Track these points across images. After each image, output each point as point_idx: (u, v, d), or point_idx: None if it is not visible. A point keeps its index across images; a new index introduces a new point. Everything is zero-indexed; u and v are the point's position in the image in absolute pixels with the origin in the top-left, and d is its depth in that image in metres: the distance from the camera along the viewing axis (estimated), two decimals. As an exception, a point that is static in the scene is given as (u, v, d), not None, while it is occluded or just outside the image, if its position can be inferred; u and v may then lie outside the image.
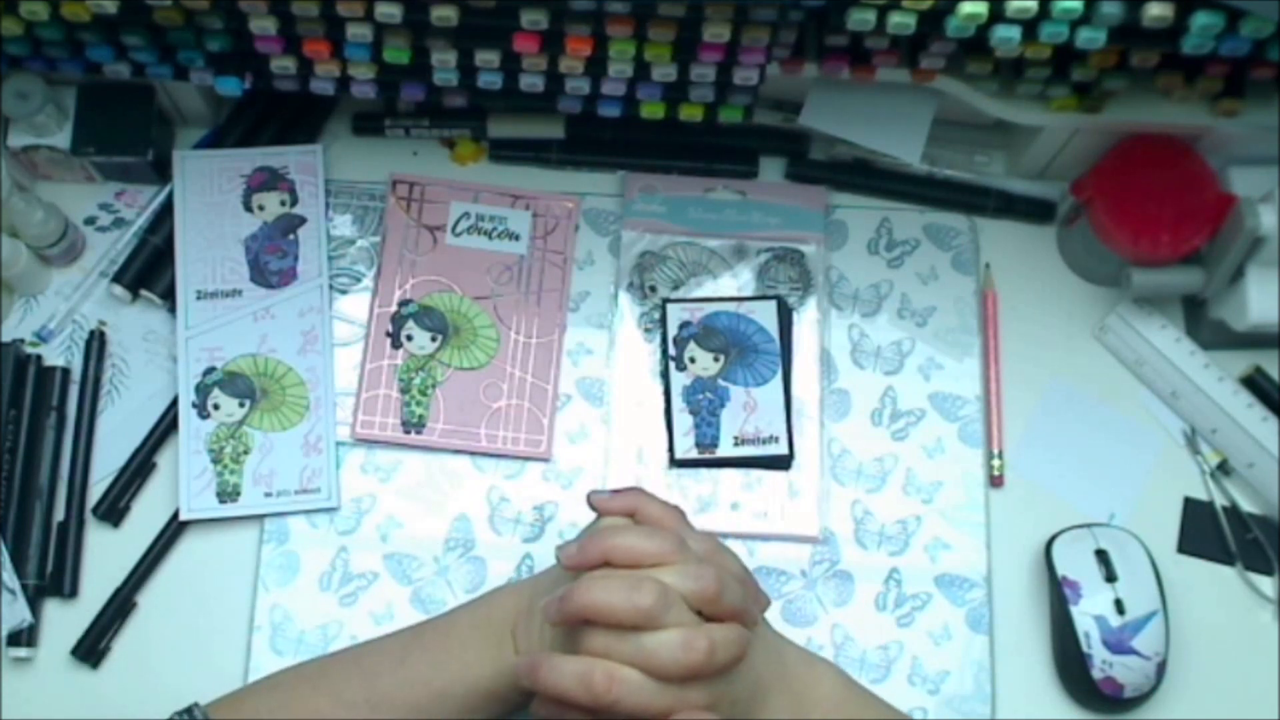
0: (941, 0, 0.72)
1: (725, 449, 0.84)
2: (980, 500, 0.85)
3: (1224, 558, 0.84)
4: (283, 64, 0.80)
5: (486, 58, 0.79)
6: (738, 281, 0.88)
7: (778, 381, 0.85)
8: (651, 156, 0.91)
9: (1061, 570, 0.81)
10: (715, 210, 0.90)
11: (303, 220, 0.88)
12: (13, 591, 0.80)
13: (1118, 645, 0.79)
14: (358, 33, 0.77)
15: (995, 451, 0.86)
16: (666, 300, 0.87)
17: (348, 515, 0.83)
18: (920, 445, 0.86)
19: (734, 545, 0.80)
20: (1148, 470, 0.86)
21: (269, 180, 0.88)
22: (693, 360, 0.86)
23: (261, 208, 0.88)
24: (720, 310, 0.87)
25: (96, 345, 0.86)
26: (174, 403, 0.84)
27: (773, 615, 0.81)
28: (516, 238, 0.89)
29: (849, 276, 0.89)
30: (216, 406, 0.84)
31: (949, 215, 0.91)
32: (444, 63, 0.79)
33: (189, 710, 0.69)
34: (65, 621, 0.81)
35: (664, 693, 0.63)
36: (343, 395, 0.85)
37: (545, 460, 0.85)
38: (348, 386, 0.85)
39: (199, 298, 0.86)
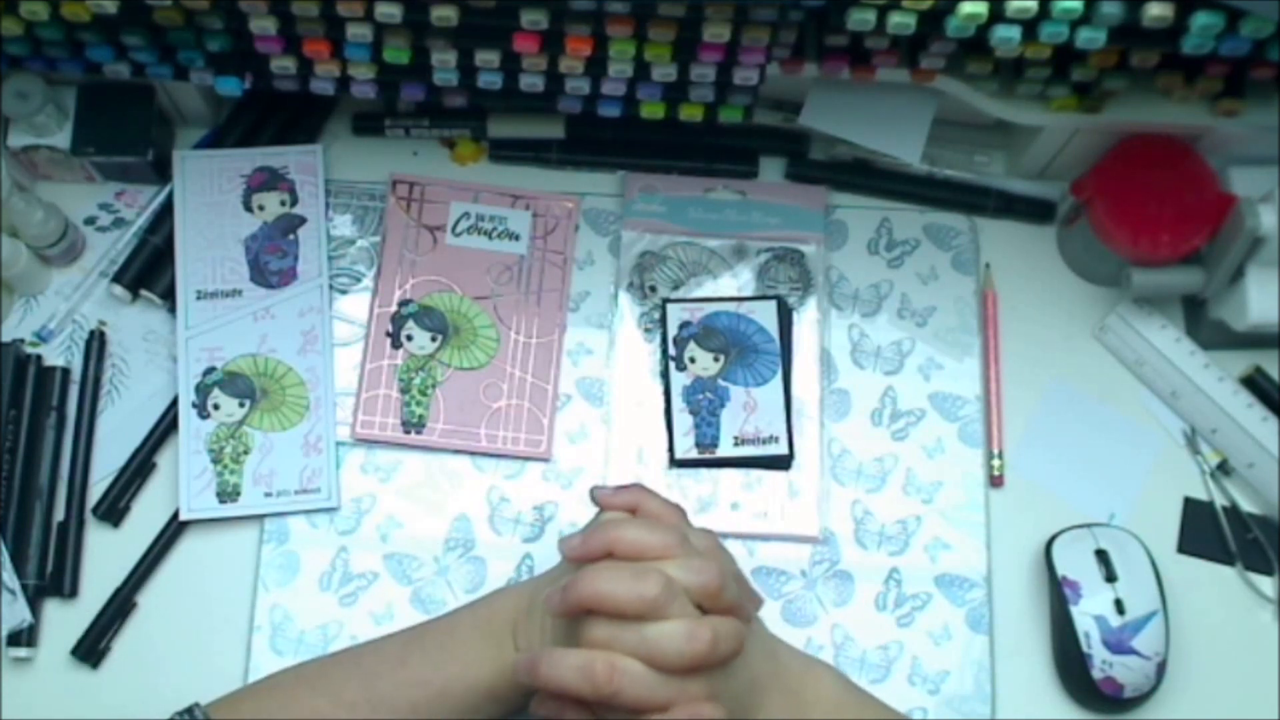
0: (941, 0, 0.72)
1: (725, 449, 0.84)
2: (980, 500, 0.85)
3: (1224, 558, 0.84)
4: (283, 64, 0.80)
5: (486, 58, 0.79)
6: (738, 281, 0.88)
7: (778, 381, 0.85)
8: (651, 156, 0.91)
9: (1061, 570, 0.81)
10: (715, 210, 0.90)
11: (303, 220, 0.88)
12: (13, 591, 0.80)
13: (1118, 645, 0.79)
14: (358, 33, 0.77)
15: (995, 451, 0.86)
16: (666, 300, 0.87)
17: (348, 515, 0.83)
18: (920, 445, 0.86)
19: (734, 545, 0.80)
20: (1148, 470, 0.86)
21: (269, 180, 0.88)
22: (693, 360, 0.86)
23: (261, 208, 0.88)
24: (720, 310, 0.87)
25: (96, 345, 0.86)
26: (174, 403, 0.84)
27: (773, 615, 0.81)
28: (516, 238, 0.89)
29: (849, 276, 0.89)
30: (216, 406, 0.84)
31: (949, 215, 0.91)
32: (444, 63, 0.79)
33: (189, 710, 0.69)
34: (65, 621, 0.80)
35: (665, 685, 0.63)
36: (343, 395, 0.85)
37: (545, 460, 0.85)
38: (348, 386, 0.85)
39: (199, 298, 0.86)
